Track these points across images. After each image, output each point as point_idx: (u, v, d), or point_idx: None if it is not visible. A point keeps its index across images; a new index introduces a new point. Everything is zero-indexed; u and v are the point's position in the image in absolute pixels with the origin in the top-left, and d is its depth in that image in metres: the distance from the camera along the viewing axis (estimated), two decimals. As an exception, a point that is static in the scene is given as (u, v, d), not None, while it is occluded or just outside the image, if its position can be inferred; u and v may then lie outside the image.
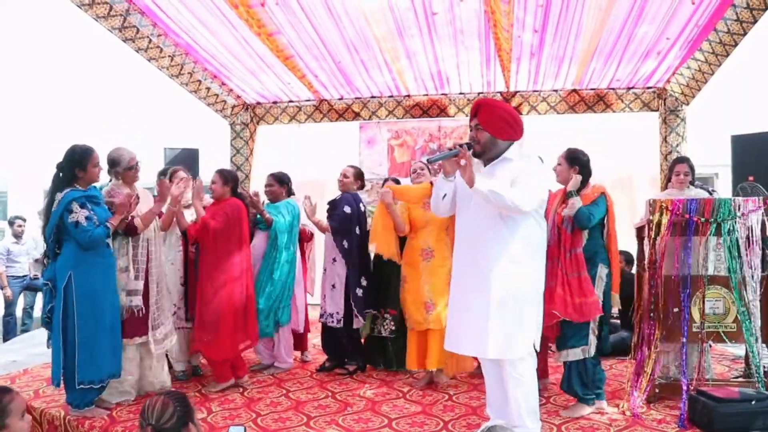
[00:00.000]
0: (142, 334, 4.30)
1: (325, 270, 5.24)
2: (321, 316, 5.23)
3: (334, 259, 5.14)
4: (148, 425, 2.41)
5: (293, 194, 5.47)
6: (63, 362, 3.91)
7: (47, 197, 4.04)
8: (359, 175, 5.33)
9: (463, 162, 3.17)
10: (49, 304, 4.02)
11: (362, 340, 5.27)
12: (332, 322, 5.10)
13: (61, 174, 4.02)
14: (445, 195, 3.54)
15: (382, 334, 5.03)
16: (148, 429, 2.41)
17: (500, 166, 3.40)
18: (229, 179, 4.87)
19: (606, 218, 4.08)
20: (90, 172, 4.03)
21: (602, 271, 3.99)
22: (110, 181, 4.39)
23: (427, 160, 3.66)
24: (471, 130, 3.48)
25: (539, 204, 3.37)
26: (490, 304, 3.29)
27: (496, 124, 3.38)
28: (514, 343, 3.31)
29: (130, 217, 4.22)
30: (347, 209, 5.08)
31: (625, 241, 6.46)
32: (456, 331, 3.46)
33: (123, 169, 4.33)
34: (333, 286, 5.13)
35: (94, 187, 4.12)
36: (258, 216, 5.13)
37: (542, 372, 4.27)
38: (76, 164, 3.99)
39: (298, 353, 5.64)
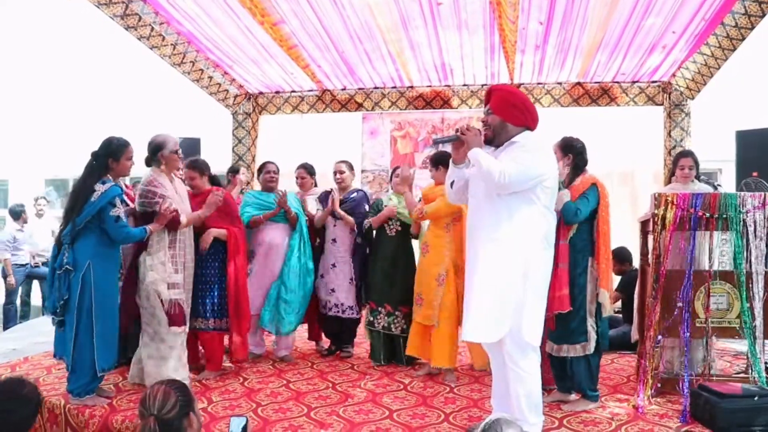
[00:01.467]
0: (182, 324, 4.30)
1: (334, 265, 5.35)
2: (329, 308, 5.36)
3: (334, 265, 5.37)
4: (150, 415, 2.39)
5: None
6: (74, 349, 3.91)
7: (78, 183, 4.03)
8: (351, 168, 5.58)
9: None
10: (66, 291, 3.94)
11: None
12: (351, 313, 5.32)
13: (95, 162, 4.03)
14: (453, 182, 3.53)
15: (392, 332, 5.06)
16: (150, 419, 2.39)
17: (509, 149, 3.35)
18: (205, 169, 4.88)
19: (597, 210, 3.96)
20: (123, 164, 4.08)
21: (593, 263, 3.95)
22: (151, 168, 4.35)
23: (433, 140, 3.64)
24: (484, 116, 3.47)
25: (526, 181, 3.20)
26: (473, 287, 3.31)
27: (506, 108, 3.37)
28: (490, 326, 3.24)
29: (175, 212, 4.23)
30: (365, 207, 5.40)
31: (628, 235, 6.48)
32: (465, 318, 3.43)
33: (169, 152, 4.30)
34: (351, 279, 5.33)
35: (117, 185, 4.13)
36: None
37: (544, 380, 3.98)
38: (112, 155, 4.04)
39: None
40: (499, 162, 3.20)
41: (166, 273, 4.22)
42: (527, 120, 3.40)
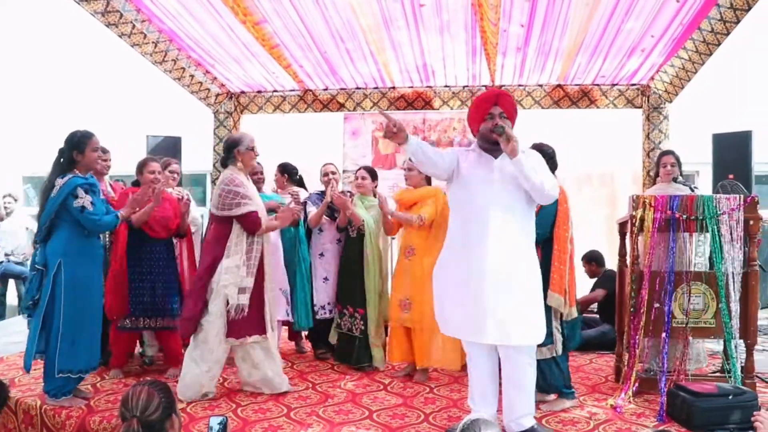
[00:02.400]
0: (252, 334, 4.18)
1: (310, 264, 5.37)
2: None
3: (322, 254, 5.32)
4: (133, 417, 2.35)
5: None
6: (44, 349, 3.86)
7: (46, 181, 3.97)
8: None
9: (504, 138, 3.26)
10: (37, 290, 3.92)
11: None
12: (324, 313, 5.27)
13: (61, 159, 3.97)
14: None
15: (353, 333, 5.03)
16: (133, 421, 2.35)
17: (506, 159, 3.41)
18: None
19: (556, 215, 3.94)
20: (88, 156, 3.97)
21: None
22: (227, 167, 4.29)
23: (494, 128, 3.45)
24: (493, 117, 3.41)
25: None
26: (516, 293, 3.32)
27: (514, 115, 3.49)
28: (536, 328, 3.38)
29: (260, 218, 4.19)
30: None
31: (607, 236, 6.54)
32: (473, 321, 3.35)
33: (245, 149, 4.24)
34: (325, 279, 5.29)
35: (91, 176, 4.07)
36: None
37: None
38: (76, 147, 3.94)
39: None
40: (541, 174, 3.31)
41: (239, 277, 4.13)
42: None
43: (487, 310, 3.29)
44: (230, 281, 4.09)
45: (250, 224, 4.15)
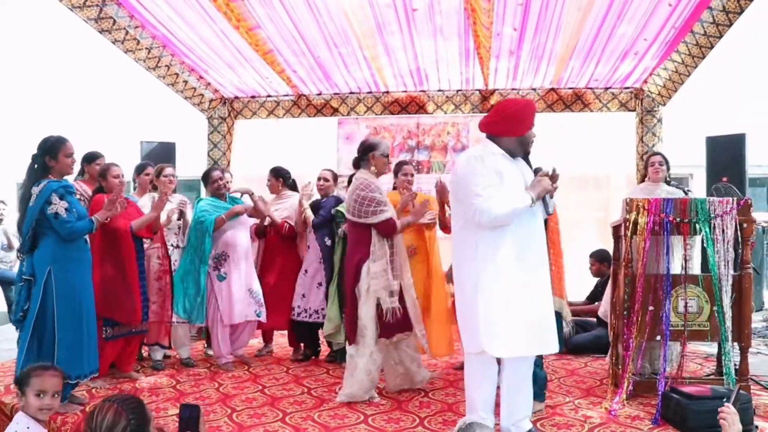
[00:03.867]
0: (401, 332, 4.29)
1: (306, 270, 5.41)
2: (299, 314, 5.37)
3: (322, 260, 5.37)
4: None
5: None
6: (37, 359, 3.83)
7: (21, 190, 3.95)
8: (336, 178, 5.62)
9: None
10: (26, 301, 3.90)
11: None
12: (317, 317, 5.32)
13: (35, 166, 3.93)
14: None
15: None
16: None
17: (523, 162, 3.51)
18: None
19: (548, 221, 3.95)
20: (62, 161, 3.94)
21: None
22: (358, 170, 4.35)
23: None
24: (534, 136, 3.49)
25: None
26: (532, 302, 3.34)
27: None
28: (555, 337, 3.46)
29: (395, 223, 4.22)
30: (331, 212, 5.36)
31: (602, 239, 6.55)
32: (529, 332, 3.33)
33: (380, 154, 4.28)
34: (320, 284, 5.34)
35: (66, 180, 4.04)
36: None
37: None
38: (47, 152, 3.91)
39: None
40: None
41: (387, 281, 4.17)
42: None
43: (543, 320, 3.38)
44: (380, 285, 4.16)
45: (388, 230, 4.21)
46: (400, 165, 5.16)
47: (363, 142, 4.41)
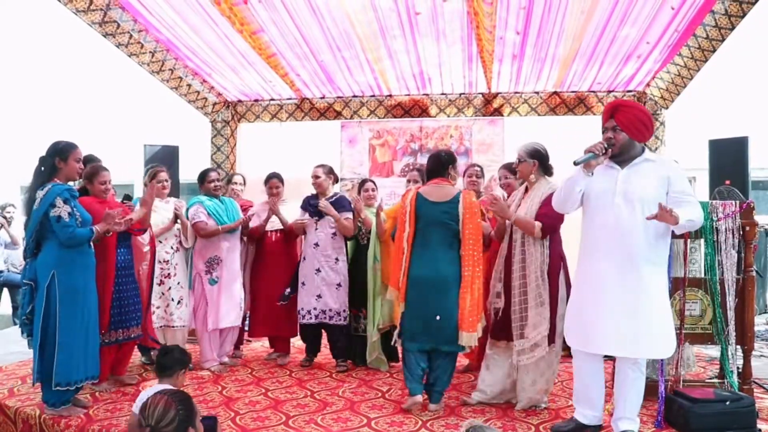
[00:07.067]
0: (504, 339, 4.22)
1: (318, 270, 5.28)
2: (312, 315, 5.29)
3: (337, 259, 5.32)
4: (147, 426, 2.34)
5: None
6: (40, 362, 3.85)
7: (27, 192, 3.97)
8: (331, 171, 5.53)
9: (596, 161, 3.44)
10: (30, 305, 3.91)
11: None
12: (339, 320, 5.25)
13: (42, 168, 3.95)
14: (580, 189, 3.57)
15: (362, 333, 5.28)
16: (146, 430, 2.34)
17: (643, 167, 3.50)
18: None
19: None
20: (71, 165, 3.97)
21: None
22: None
23: (574, 162, 3.50)
24: (606, 131, 3.53)
25: None
26: (647, 306, 3.39)
27: (634, 126, 3.49)
28: (667, 343, 3.47)
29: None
30: (348, 206, 5.39)
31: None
32: (602, 333, 3.47)
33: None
34: (339, 285, 5.28)
35: (71, 185, 4.06)
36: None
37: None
38: (58, 154, 3.94)
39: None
40: (694, 209, 3.42)
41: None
42: (650, 135, 3.56)
43: (608, 322, 3.44)
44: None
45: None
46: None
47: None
